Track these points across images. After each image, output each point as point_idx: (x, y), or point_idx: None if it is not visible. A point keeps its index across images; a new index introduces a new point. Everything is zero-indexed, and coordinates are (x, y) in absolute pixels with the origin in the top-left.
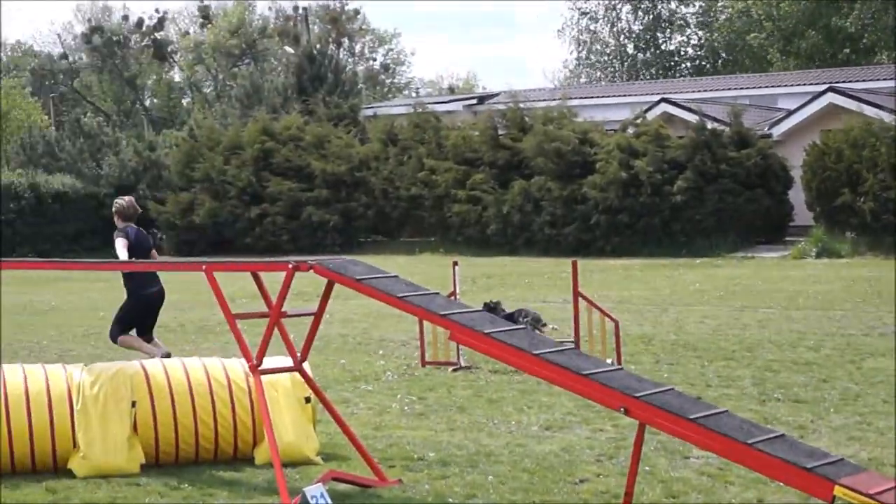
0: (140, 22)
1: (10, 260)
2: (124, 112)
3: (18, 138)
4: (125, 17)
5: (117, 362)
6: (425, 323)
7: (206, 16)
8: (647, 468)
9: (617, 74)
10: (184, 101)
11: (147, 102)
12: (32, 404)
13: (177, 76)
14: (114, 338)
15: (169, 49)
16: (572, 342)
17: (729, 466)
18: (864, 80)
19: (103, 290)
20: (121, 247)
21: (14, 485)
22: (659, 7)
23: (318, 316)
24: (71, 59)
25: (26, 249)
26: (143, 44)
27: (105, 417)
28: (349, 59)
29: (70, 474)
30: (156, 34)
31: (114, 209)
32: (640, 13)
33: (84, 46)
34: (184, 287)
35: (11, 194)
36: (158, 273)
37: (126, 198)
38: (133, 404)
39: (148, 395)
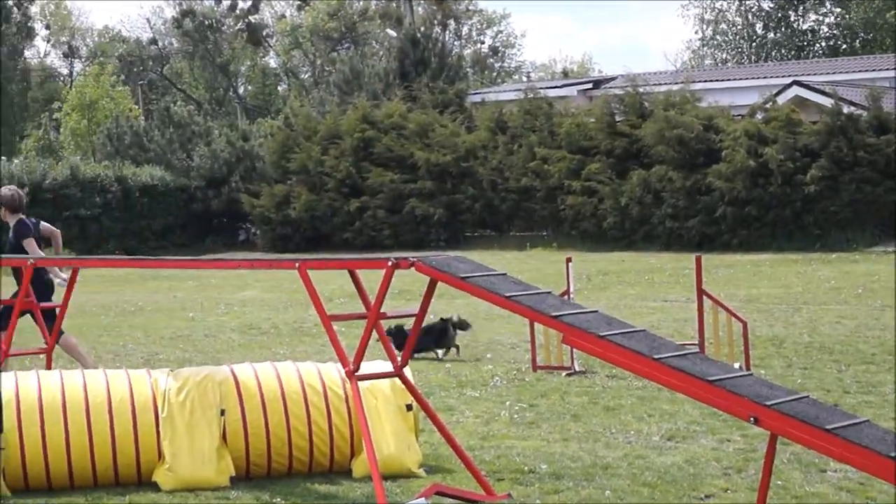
0: (234, 5)
1: (91, 258)
2: (216, 100)
3: (105, 128)
4: (218, 0)
5: (205, 367)
6: (537, 324)
7: None
8: (779, 482)
9: (745, 55)
10: (279, 88)
11: (240, 90)
12: (115, 413)
13: (272, 62)
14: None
15: (264, 33)
16: (696, 345)
17: (870, 481)
18: None
19: (192, 289)
20: (35, 246)
21: (96, 498)
22: None
23: (420, 317)
24: (161, 44)
25: (112, 246)
26: (236, 28)
27: (192, 426)
28: (455, 42)
29: (155, 487)
30: (250, 17)
31: (2, 202)
32: None
33: (174, 31)
34: (277, 286)
35: (97, 187)
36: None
37: (10, 187)
38: (222, 412)
39: (238, 403)
